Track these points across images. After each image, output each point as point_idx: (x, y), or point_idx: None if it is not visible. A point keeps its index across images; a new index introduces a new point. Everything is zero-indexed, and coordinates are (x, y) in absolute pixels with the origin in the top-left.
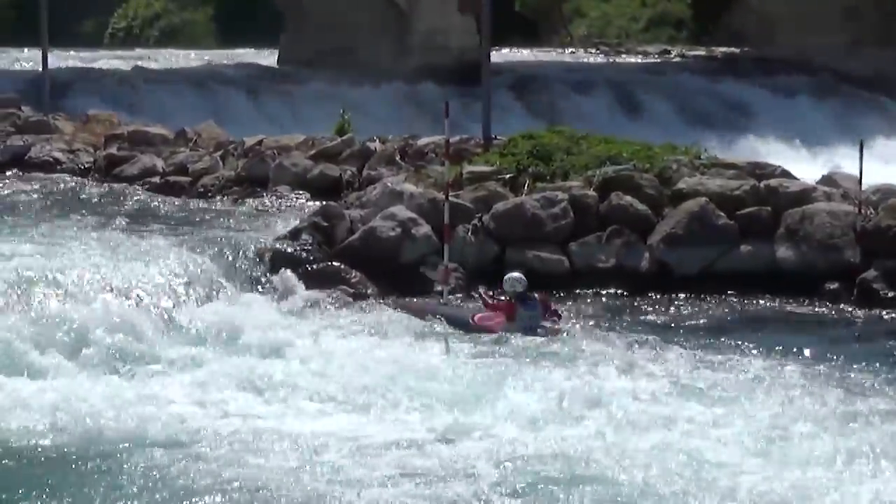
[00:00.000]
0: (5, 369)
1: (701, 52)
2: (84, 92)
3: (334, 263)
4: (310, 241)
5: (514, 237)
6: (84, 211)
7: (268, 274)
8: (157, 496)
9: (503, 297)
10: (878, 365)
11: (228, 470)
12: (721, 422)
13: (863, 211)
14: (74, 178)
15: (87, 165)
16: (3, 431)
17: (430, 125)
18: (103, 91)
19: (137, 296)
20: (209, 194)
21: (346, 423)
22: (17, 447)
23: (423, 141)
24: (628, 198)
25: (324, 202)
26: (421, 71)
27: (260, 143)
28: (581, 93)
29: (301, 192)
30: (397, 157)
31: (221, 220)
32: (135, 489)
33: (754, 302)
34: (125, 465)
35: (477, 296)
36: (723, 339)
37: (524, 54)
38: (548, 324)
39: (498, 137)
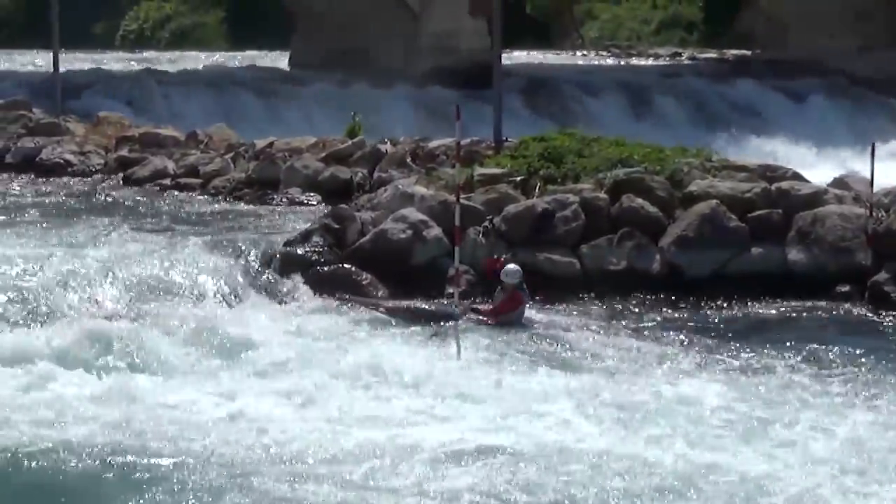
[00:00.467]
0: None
1: (712, 54)
2: (95, 94)
3: (345, 266)
4: (320, 244)
5: (525, 239)
6: (95, 213)
7: (278, 276)
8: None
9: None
10: (890, 367)
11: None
12: (731, 423)
13: (874, 213)
14: (85, 179)
15: (98, 167)
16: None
17: (440, 127)
18: (114, 93)
19: (147, 298)
20: (220, 196)
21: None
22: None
23: (434, 143)
24: (639, 200)
25: (334, 204)
26: (432, 73)
27: (271, 145)
28: (592, 95)
29: (312, 194)
30: (408, 160)
31: (232, 222)
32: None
33: (765, 304)
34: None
35: (476, 311)
36: (733, 342)
37: (535, 57)
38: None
39: (509, 140)
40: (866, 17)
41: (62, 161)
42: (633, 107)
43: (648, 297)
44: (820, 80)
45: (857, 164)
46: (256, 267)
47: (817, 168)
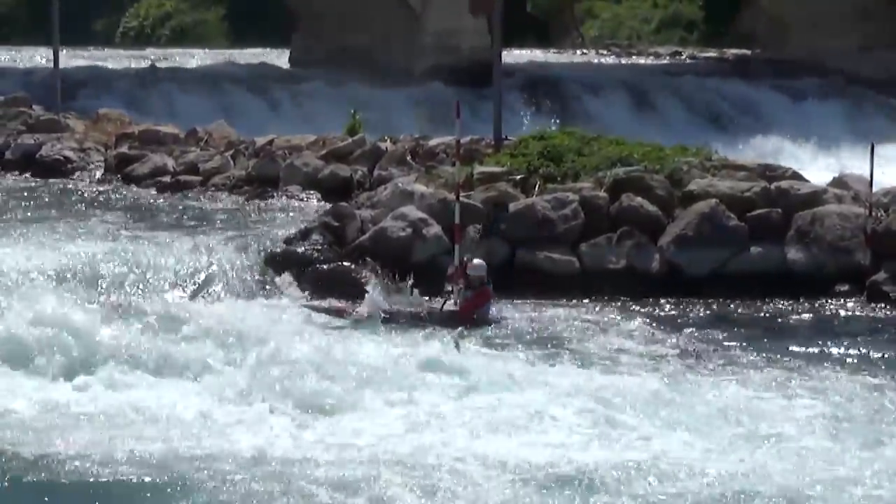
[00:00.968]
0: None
1: (712, 53)
2: (95, 91)
3: (345, 263)
4: (320, 241)
5: (525, 238)
6: (93, 210)
7: (278, 274)
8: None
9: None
10: (887, 367)
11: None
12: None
13: (873, 213)
14: (85, 177)
15: (97, 164)
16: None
17: (441, 126)
18: (114, 90)
19: (145, 296)
20: (220, 194)
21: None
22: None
23: (434, 141)
24: (639, 199)
25: (334, 202)
26: (432, 71)
27: (271, 142)
28: (592, 94)
29: (311, 191)
30: (408, 158)
31: (232, 219)
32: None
33: (764, 304)
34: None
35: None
36: (732, 341)
37: (536, 55)
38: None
39: (509, 138)
40: (867, 17)
41: (62, 158)
42: (634, 105)
43: (647, 296)
44: (820, 79)
45: (857, 164)
46: (256, 265)
47: (817, 167)
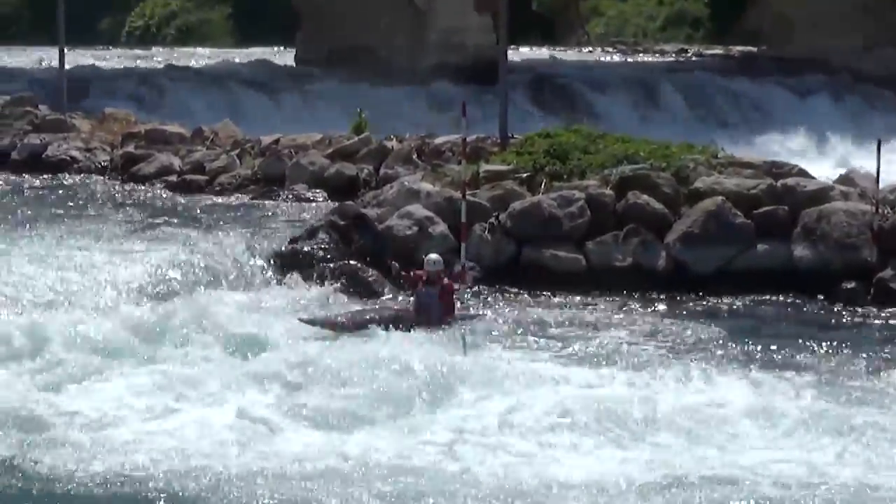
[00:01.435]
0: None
1: (718, 51)
2: (101, 90)
3: (351, 262)
4: (326, 240)
5: (531, 236)
6: (99, 210)
7: (284, 273)
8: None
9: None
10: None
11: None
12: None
13: (880, 210)
14: (91, 176)
15: (103, 164)
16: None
17: (446, 124)
18: (120, 89)
19: (151, 295)
20: (226, 193)
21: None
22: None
23: (439, 140)
24: (645, 197)
25: (340, 201)
26: (438, 69)
27: (277, 141)
28: (598, 91)
29: (318, 190)
30: (414, 156)
31: (238, 218)
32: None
33: (770, 301)
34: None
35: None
36: (738, 339)
37: (541, 53)
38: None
39: (515, 136)
40: (871, 15)
41: (68, 157)
42: (640, 103)
43: (653, 293)
44: (825, 77)
45: (863, 161)
46: (262, 263)
47: (823, 164)
